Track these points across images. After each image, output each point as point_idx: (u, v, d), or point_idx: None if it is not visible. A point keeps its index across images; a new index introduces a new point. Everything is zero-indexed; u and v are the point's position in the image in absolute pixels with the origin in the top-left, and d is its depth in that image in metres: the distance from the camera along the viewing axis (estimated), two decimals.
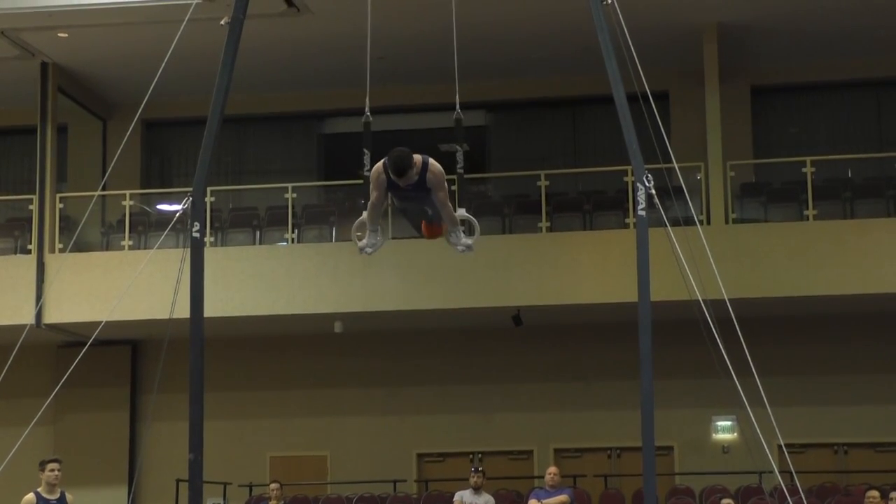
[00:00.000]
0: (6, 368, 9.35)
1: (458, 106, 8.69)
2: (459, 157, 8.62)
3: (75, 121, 19.14)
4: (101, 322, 10.25)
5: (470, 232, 8.41)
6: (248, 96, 17.87)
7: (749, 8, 16.19)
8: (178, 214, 8.54)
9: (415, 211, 8.39)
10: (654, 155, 9.00)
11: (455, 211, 8.29)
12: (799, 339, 17.60)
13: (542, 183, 16.81)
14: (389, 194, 8.01)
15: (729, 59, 17.11)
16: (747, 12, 16.31)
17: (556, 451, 18.10)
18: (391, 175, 7.68)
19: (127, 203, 17.50)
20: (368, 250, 8.29)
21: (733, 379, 7.95)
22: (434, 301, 16.15)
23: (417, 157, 7.71)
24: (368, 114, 8.71)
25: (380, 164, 7.85)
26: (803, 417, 16.96)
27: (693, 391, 17.08)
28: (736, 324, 8.12)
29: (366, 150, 8.39)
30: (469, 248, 8.35)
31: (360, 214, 8.25)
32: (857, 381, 17.49)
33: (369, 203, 8.07)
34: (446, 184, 7.95)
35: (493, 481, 15.55)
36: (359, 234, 8.32)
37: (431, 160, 7.84)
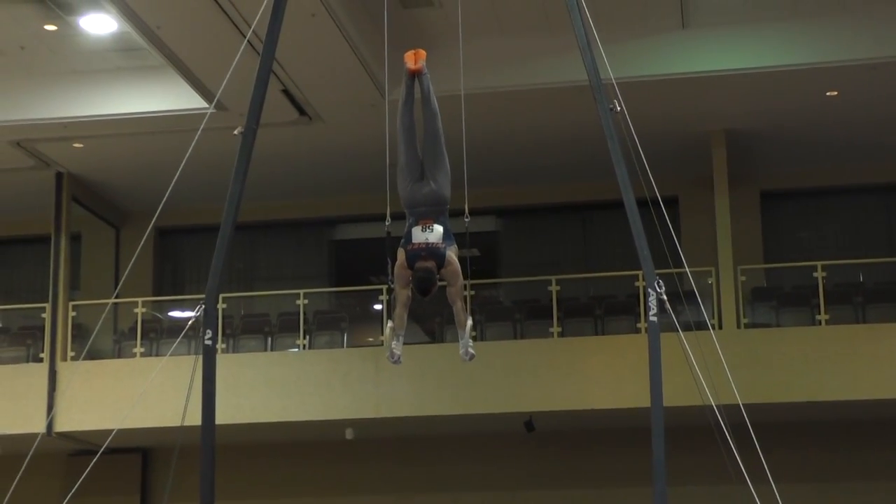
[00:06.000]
0: (17, 478, 9.28)
1: (466, 211, 8.73)
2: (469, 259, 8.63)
3: (89, 229, 19.35)
4: (112, 430, 10.21)
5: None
6: (260, 203, 18.04)
7: (756, 116, 16.41)
8: (190, 322, 8.55)
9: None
10: (665, 259, 9.02)
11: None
12: (813, 445, 17.50)
13: (553, 288, 16.86)
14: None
15: (738, 165, 17.26)
16: (755, 120, 16.53)
17: None
18: (417, 293, 7.85)
19: (139, 310, 17.56)
20: (400, 359, 8.25)
21: (748, 485, 7.87)
22: (446, 407, 16.11)
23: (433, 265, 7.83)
24: (389, 221, 8.74)
25: (400, 257, 7.93)
26: None
27: (708, 498, 16.89)
28: (751, 429, 8.06)
29: (389, 260, 8.35)
30: (470, 355, 8.28)
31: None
32: (872, 489, 17.36)
33: (398, 305, 8.10)
34: (461, 279, 8.02)
35: None
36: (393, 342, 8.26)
37: (449, 253, 7.94)
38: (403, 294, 8.05)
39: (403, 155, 8.24)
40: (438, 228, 7.97)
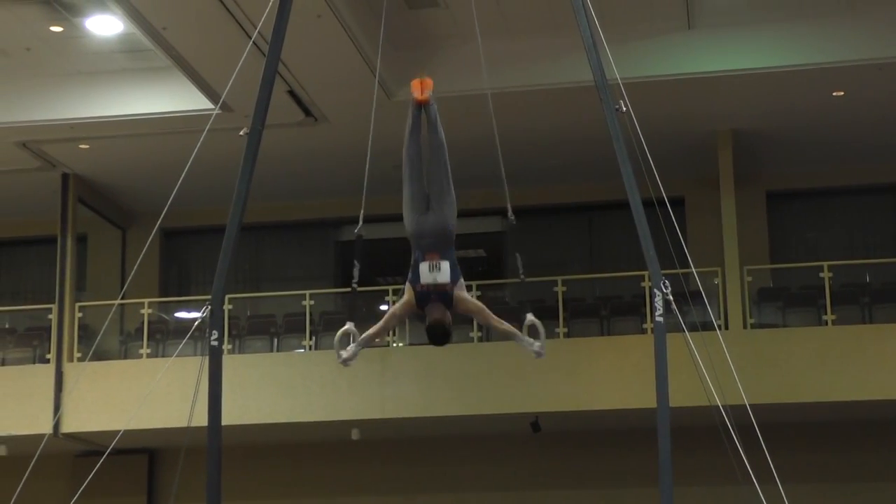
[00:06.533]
0: (24, 478, 9.35)
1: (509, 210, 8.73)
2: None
3: (95, 230, 19.40)
4: (118, 431, 10.30)
5: (535, 335, 8.33)
6: (266, 204, 18.06)
7: (763, 116, 16.43)
8: (196, 323, 8.59)
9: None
10: (671, 260, 9.06)
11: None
12: (820, 445, 17.50)
13: (560, 289, 16.90)
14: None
15: (744, 165, 17.29)
16: (761, 120, 16.55)
17: None
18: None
19: (146, 311, 17.67)
20: (351, 363, 8.19)
21: (755, 486, 7.88)
22: (451, 408, 16.14)
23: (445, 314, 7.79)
24: (361, 225, 8.72)
25: (409, 294, 7.88)
26: None
27: (714, 499, 16.92)
28: (757, 430, 8.07)
29: (356, 262, 8.41)
30: (539, 353, 8.30)
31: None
32: (879, 489, 17.34)
33: (380, 328, 8.07)
34: (482, 306, 8.02)
35: None
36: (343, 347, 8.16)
37: (457, 294, 7.87)
38: (394, 320, 8.07)
39: (408, 187, 8.09)
40: (445, 266, 7.83)
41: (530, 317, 8.31)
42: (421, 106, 8.14)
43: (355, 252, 8.51)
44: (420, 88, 8.13)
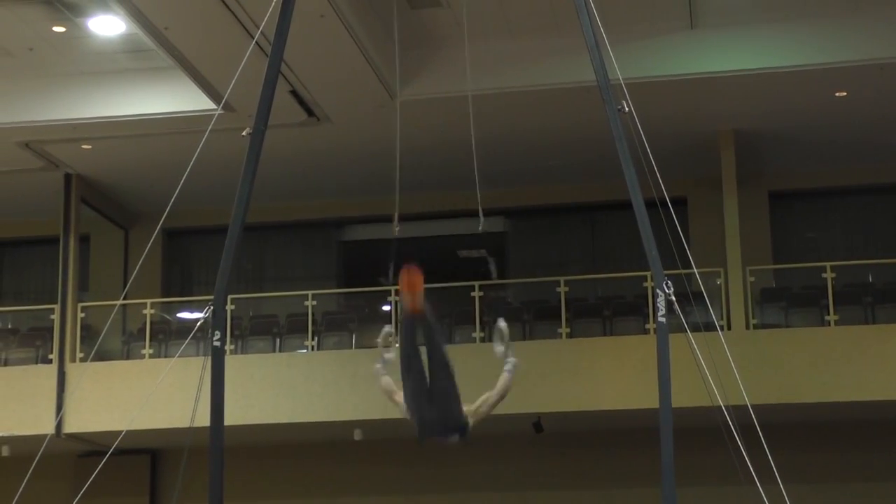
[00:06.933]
0: (26, 479, 9.39)
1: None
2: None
3: (97, 230, 19.46)
4: (121, 431, 10.26)
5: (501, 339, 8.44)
6: (268, 204, 18.11)
7: (765, 116, 16.45)
8: (199, 323, 8.60)
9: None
10: (673, 260, 9.10)
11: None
12: (822, 445, 17.55)
13: (562, 289, 16.92)
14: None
15: (746, 166, 17.32)
16: (763, 120, 16.57)
17: None
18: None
19: (148, 312, 17.69)
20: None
21: (757, 486, 7.89)
22: None
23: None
24: (398, 226, 8.79)
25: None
26: None
27: (716, 498, 16.86)
28: (759, 430, 8.08)
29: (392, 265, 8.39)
30: (511, 368, 8.41)
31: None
32: (881, 490, 17.37)
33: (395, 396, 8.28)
34: (480, 407, 8.25)
35: None
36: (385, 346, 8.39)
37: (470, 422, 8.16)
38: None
39: (408, 384, 8.07)
40: (454, 438, 8.22)
41: (500, 322, 8.45)
42: (415, 316, 7.87)
43: (392, 251, 8.47)
44: (411, 296, 7.83)
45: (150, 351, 17.37)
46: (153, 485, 18.99)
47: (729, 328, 15.96)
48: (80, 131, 16.41)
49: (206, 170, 12.61)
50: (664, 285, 7.99)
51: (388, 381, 8.37)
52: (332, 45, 13.99)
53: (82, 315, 17.64)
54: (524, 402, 16.04)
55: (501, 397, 8.28)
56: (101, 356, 16.95)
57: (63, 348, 17.28)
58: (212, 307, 8.30)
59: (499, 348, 8.48)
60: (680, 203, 17.58)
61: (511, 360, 8.39)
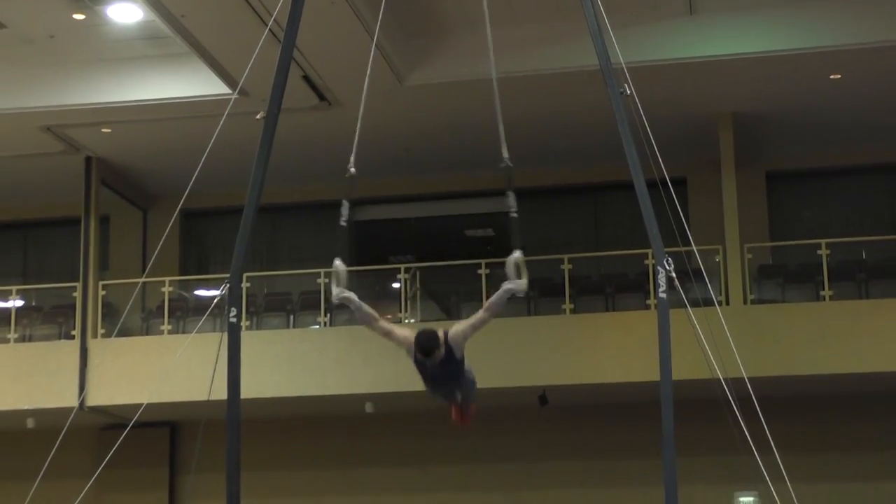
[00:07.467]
0: (53, 451, 9.56)
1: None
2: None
3: (117, 212, 19.63)
4: (142, 404, 10.39)
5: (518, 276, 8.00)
6: (282, 186, 18.14)
7: (762, 99, 16.57)
8: (216, 300, 8.72)
9: (444, 392, 8.45)
10: (674, 239, 9.18)
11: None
12: (817, 416, 17.71)
13: (566, 267, 17.06)
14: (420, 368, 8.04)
15: (744, 147, 17.44)
16: (761, 103, 16.70)
17: None
18: (419, 355, 7.66)
19: (166, 290, 17.81)
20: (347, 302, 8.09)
21: (754, 456, 8.02)
22: None
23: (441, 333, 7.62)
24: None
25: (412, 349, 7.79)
26: (824, 494, 17.04)
27: (715, 468, 17.15)
28: (756, 402, 8.18)
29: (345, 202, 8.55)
30: (517, 290, 7.87)
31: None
32: (875, 459, 17.58)
33: (379, 324, 8.10)
34: (463, 329, 7.90)
35: None
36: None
37: (450, 331, 7.78)
38: (390, 337, 8.04)
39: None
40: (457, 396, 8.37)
41: (516, 255, 8.01)
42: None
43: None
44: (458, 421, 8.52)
45: (169, 327, 17.54)
46: (172, 456, 19.20)
47: (727, 304, 16.08)
48: (100, 116, 16.59)
49: (222, 153, 12.81)
50: (665, 263, 8.05)
51: (384, 324, 8.11)
52: (342, 31, 14.02)
53: (103, 293, 17.83)
54: (529, 375, 16.27)
55: (488, 307, 7.83)
56: (122, 332, 16.94)
57: (85, 325, 17.50)
58: (228, 285, 8.33)
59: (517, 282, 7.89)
60: (680, 183, 17.66)
61: (517, 281, 7.84)
